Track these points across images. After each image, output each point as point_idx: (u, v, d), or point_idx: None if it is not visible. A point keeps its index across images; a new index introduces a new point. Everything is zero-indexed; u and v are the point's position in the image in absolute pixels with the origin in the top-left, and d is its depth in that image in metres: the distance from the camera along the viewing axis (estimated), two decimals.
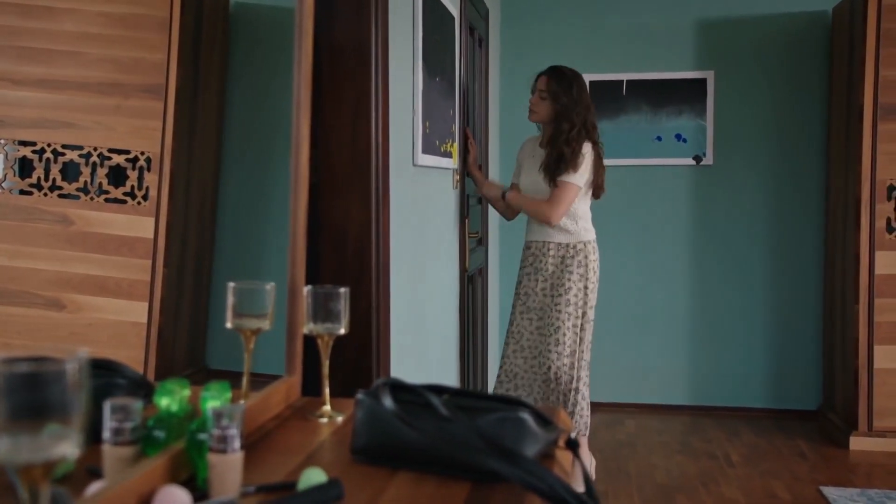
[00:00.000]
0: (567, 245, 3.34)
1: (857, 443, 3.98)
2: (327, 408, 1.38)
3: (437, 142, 2.94)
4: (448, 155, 3.13)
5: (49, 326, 1.53)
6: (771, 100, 4.55)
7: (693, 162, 4.64)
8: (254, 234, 1.95)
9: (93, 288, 1.61)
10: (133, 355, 1.52)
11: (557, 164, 3.28)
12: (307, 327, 1.39)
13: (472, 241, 3.67)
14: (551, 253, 3.35)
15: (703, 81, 4.61)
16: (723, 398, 4.67)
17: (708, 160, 4.63)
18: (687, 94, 4.62)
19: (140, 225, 1.61)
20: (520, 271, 3.45)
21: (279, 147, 1.86)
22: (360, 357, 1.77)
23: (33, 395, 0.63)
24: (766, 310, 4.61)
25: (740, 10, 4.55)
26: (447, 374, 3.23)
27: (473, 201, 3.78)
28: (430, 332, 2.95)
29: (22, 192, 1.71)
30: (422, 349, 2.82)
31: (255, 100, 2.01)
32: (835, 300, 4.29)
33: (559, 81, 3.32)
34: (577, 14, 4.71)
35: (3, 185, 1.67)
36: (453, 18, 3.25)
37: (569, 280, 3.30)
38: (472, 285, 3.77)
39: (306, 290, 1.38)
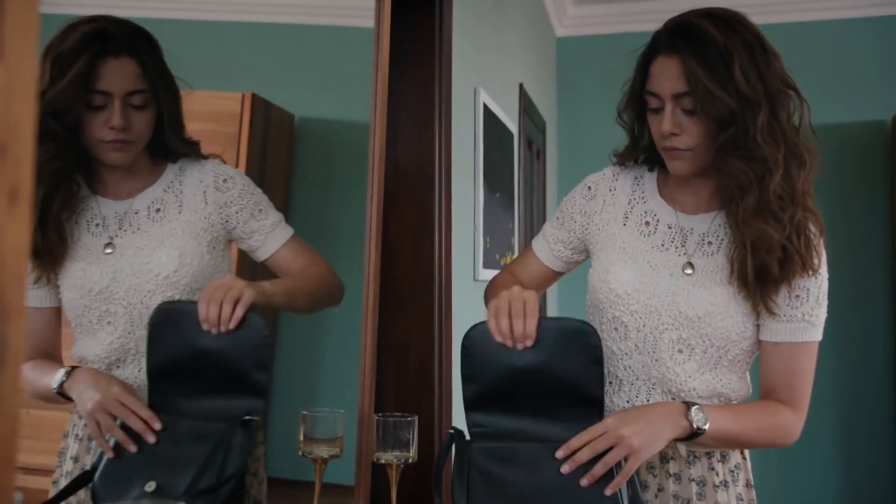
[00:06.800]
0: None
1: None
2: None
3: (497, 255, 2.97)
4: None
5: None
6: (832, 208, 4.50)
7: None
8: (312, 352, 1.97)
9: None
10: None
11: None
12: (376, 455, 1.39)
13: None
14: None
15: None
16: None
17: None
18: None
19: None
20: None
21: (340, 253, 1.90)
22: (424, 479, 1.75)
23: None
24: (837, 445, 4.46)
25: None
26: None
27: None
28: None
29: None
30: None
31: (316, 209, 2.06)
32: None
33: None
34: None
35: None
36: (512, 135, 3.33)
37: None
38: None
39: (376, 418, 1.39)
